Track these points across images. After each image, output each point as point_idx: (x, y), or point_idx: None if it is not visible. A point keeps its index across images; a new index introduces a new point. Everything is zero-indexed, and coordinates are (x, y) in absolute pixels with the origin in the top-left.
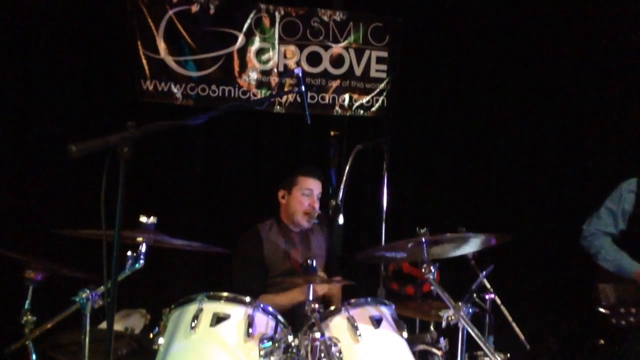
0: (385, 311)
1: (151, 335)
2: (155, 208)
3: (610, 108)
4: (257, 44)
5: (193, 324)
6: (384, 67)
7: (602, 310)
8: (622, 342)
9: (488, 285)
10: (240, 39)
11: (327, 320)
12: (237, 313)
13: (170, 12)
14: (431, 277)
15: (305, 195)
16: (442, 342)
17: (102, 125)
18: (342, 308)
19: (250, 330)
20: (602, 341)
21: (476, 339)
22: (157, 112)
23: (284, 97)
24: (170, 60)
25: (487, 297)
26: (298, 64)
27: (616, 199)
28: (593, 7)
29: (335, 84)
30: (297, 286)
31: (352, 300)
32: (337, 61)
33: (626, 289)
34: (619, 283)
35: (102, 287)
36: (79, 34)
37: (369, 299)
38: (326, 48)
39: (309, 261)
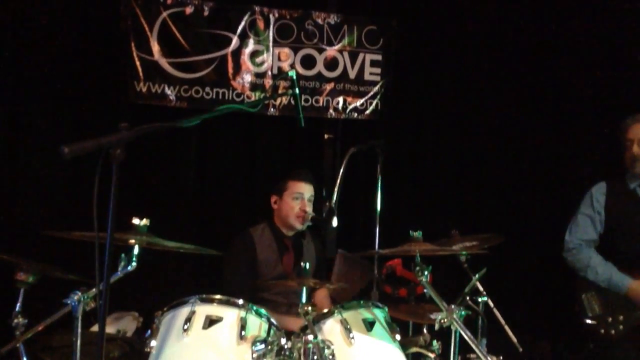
0: (379, 314)
1: (143, 338)
2: (148, 210)
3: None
4: (251, 46)
5: (185, 327)
6: (378, 70)
7: (589, 321)
8: (612, 347)
9: (481, 288)
10: (235, 41)
11: (320, 323)
12: (230, 315)
13: (164, 14)
14: (424, 279)
15: (296, 199)
16: (435, 344)
17: (95, 127)
18: (335, 311)
19: (243, 333)
20: (591, 345)
21: (469, 341)
22: (150, 113)
23: (278, 100)
24: (164, 62)
25: (480, 299)
26: (292, 66)
27: (589, 204)
28: (591, 18)
29: (329, 86)
30: (289, 288)
31: (345, 303)
32: (331, 64)
33: (610, 295)
34: (602, 290)
35: (94, 290)
36: (73, 35)
37: (362, 301)
38: (320, 51)
39: (302, 264)
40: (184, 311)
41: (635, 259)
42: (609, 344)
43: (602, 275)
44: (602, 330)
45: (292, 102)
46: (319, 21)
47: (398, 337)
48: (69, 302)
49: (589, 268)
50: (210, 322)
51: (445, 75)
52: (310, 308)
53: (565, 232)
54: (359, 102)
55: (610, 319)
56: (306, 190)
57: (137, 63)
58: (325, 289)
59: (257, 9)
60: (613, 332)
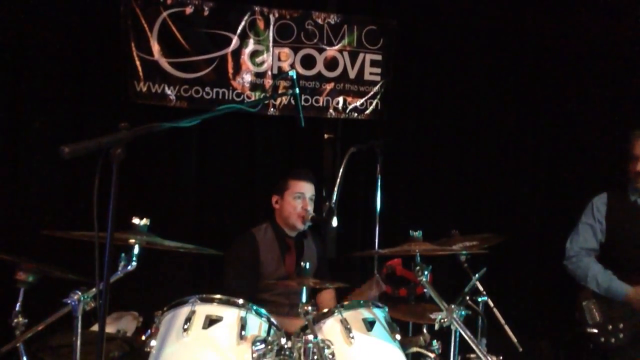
0: (379, 314)
1: (143, 338)
2: (148, 210)
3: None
4: (251, 46)
5: (185, 327)
6: (378, 70)
7: (589, 330)
8: (612, 352)
9: (481, 288)
10: (235, 41)
11: (320, 323)
12: (230, 315)
13: (164, 14)
14: (424, 279)
15: (297, 199)
16: (435, 344)
17: (95, 127)
18: (335, 310)
19: (243, 333)
20: (591, 345)
21: (469, 341)
22: (150, 113)
23: (278, 100)
24: (164, 62)
25: (480, 299)
26: (292, 66)
27: (590, 214)
28: (595, 22)
29: (329, 86)
30: (291, 288)
31: (346, 303)
32: (331, 64)
33: (611, 303)
34: (602, 298)
35: (94, 289)
36: (73, 35)
37: (362, 301)
38: (320, 51)
39: (302, 264)
40: (184, 311)
41: (635, 269)
42: (608, 350)
43: (602, 284)
44: (603, 339)
45: (292, 102)
46: (319, 21)
47: (398, 337)
48: (69, 302)
49: (589, 276)
50: (210, 321)
51: (445, 75)
52: (310, 308)
53: (567, 241)
54: (359, 102)
55: (610, 327)
56: (307, 189)
57: (137, 63)
58: (332, 290)
59: (257, 9)
60: (613, 340)
